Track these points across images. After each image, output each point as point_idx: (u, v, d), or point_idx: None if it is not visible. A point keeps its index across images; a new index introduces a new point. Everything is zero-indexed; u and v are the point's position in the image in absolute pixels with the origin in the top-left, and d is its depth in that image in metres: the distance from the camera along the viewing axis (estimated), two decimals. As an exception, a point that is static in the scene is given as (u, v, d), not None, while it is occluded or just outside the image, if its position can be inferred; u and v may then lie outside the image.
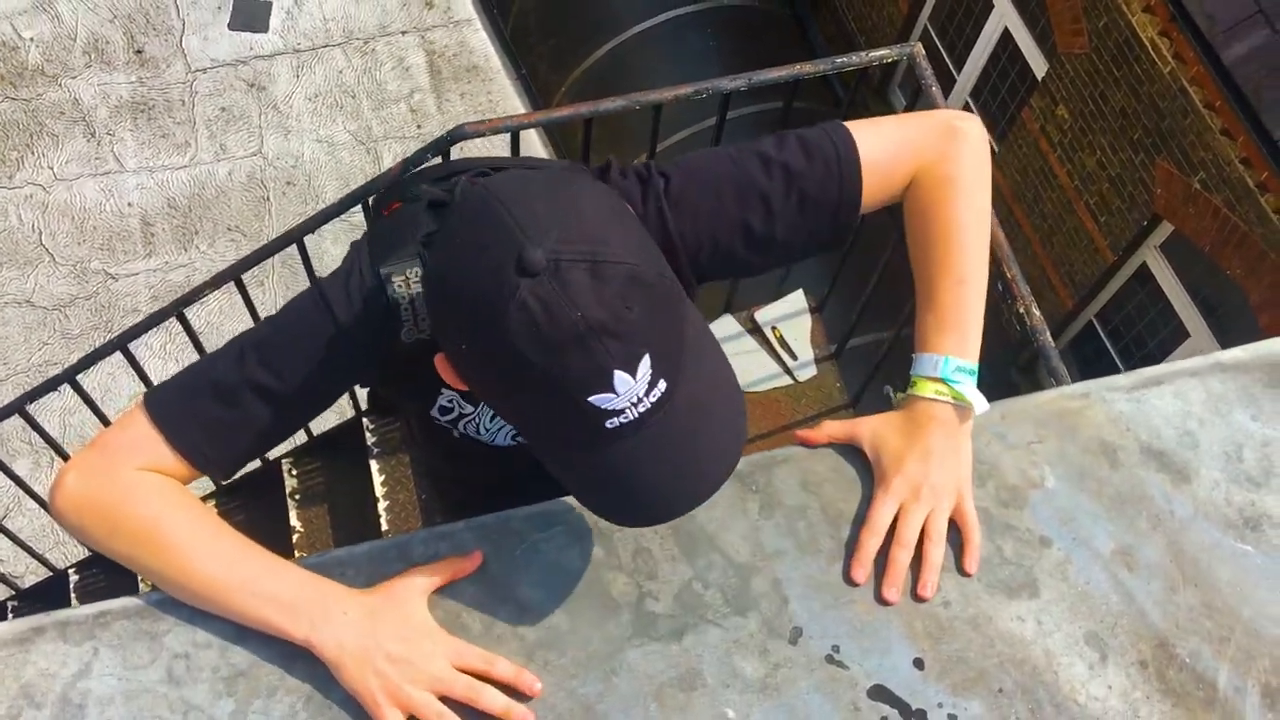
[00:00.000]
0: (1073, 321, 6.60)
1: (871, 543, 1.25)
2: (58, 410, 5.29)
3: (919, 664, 1.20)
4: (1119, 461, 1.32)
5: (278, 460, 3.86)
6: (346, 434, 3.82)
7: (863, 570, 1.24)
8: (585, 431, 1.03)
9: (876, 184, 1.28)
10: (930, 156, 1.30)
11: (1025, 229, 6.70)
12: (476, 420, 1.45)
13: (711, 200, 1.26)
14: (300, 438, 3.92)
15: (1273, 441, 1.33)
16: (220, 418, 1.20)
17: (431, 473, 1.94)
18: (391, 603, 1.16)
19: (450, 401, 1.42)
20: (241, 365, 1.21)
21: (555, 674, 1.18)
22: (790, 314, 3.76)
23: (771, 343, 3.70)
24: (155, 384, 1.23)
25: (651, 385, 1.01)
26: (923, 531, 1.25)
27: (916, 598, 1.23)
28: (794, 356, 3.69)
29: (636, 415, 1.02)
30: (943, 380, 1.27)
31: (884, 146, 1.29)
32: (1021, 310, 2.63)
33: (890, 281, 3.35)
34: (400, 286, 1.19)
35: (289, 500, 3.82)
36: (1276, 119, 4.72)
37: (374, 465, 3.68)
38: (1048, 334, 2.61)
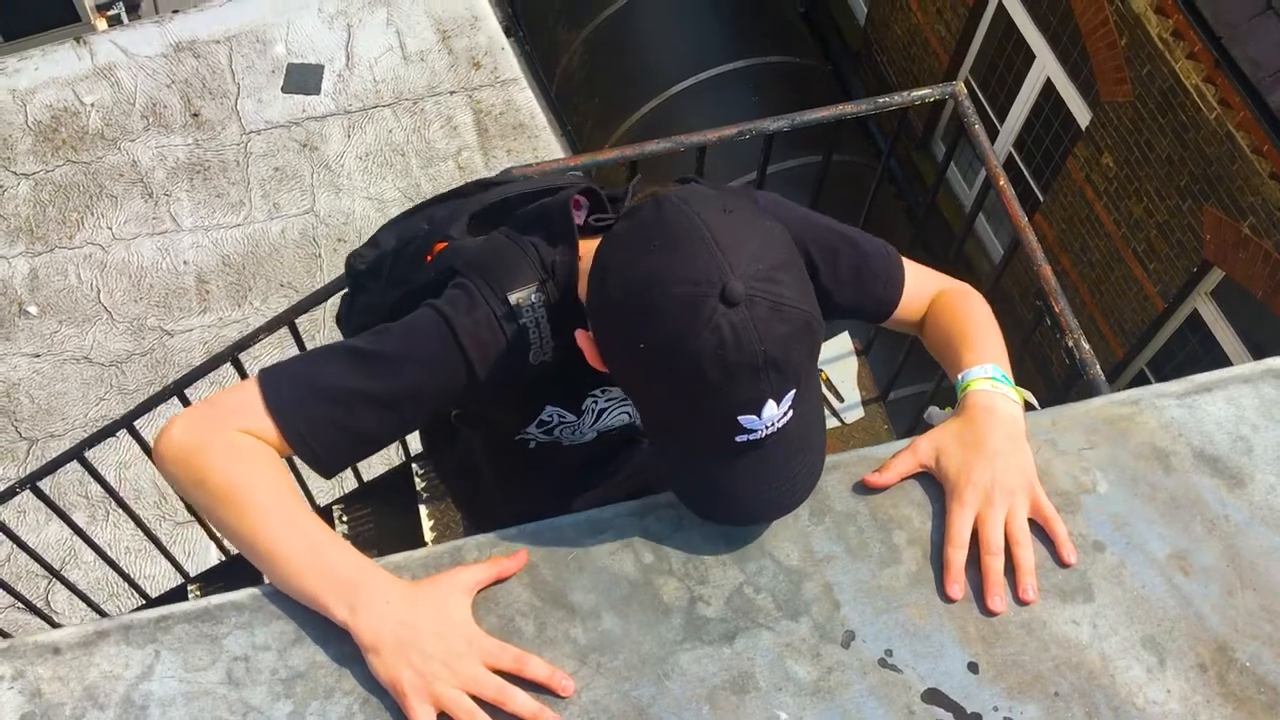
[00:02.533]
0: (1124, 371, 6.54)
1: (959, 556, 1.24)
2: (114, 464, 5.37)
3: (973, 668, 1.19)
4: (1172, 467, 1.31)
5: (328, 507, 3.90)
6: (395, 480, 3.86)
7: (958, 586, 1.24)
8: (717, 442, 1.17)
9: (907, 298, 1.48)
10: (947, 288, 1.52)
11: (1073, 277, 6.67)
12: (576, 425, 1.49)
13: (795, 230, 1.33)
14: (350, 484, 3.96)
15: (1328, 446, 1.32)
16: (329, 418, 1.25)
17: (478, 502, 1.98)
18: (433, 597, 1.17)
19: (551, 415, 1.47)
20: (359, 373, 1.25)
21: (608, 676, 1.18)
22: (836, 357, 3.76)
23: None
24: (273, 363, 1.27)
25: (785, 414, 1.16)
26: (1008, 536, 1.25)
27: (1020, 602, 1.23)
28: (840, 399, 3.70)
29: (761, 436, 1.16)
30: (992, 378, 1.29)
31: (919, 275, 1.50)
32: (1070, 344, 2.62)
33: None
34: (528, 312, 1.28)
35: (339, 546, 3.84)
36: (1326, 162, 4.69)
37: (423, 510, 3.70)
38: (1097, 367, 2.59)
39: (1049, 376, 6.33)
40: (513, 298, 1.27)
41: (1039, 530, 1.27)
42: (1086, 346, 2.62)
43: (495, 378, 1.29)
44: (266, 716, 1.16)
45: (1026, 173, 7.01)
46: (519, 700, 1.13)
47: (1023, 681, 1.18)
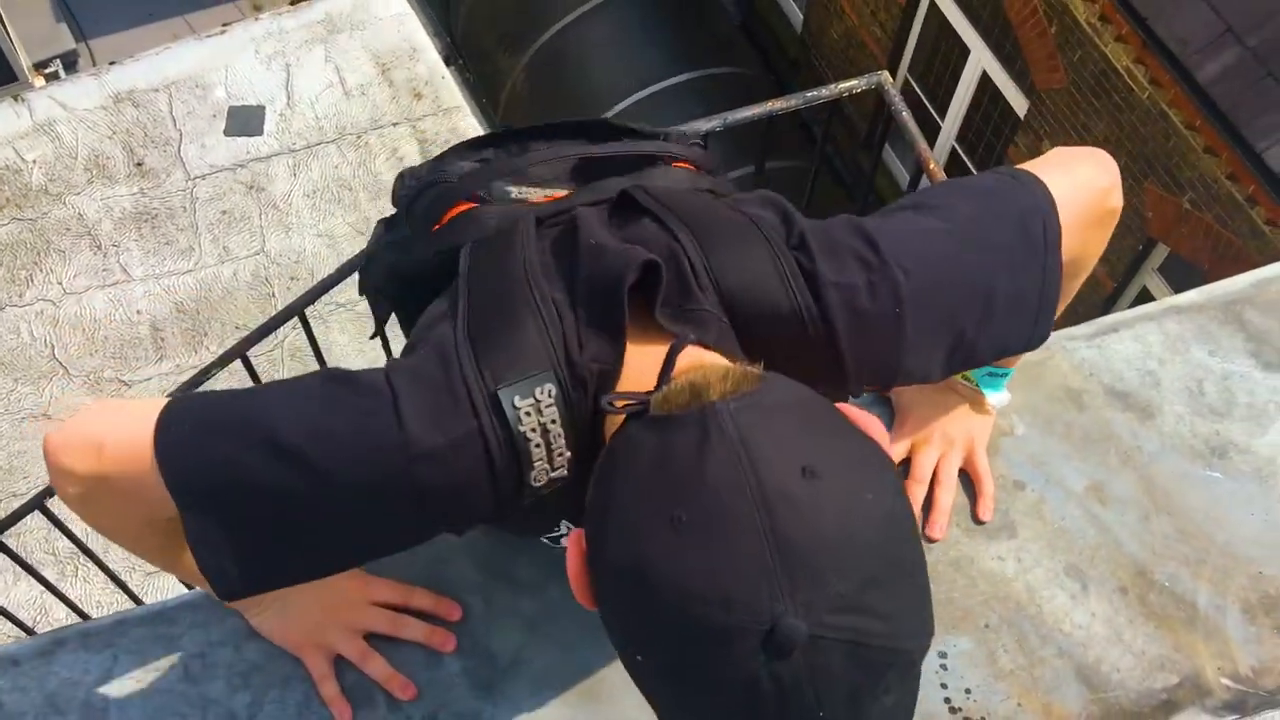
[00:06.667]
0: (1078, 351, 6.63)
1: None
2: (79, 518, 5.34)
3: (906, 608, 1.23)
4: (1085, 404, 1.37)
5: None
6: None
7: None
8: None
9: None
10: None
11: (1021, 264, 6.75)
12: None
13: (950, 304, 0.97)
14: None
15: (1232, 375, 1.38)
16: (241, 521, 0.90)
17: None
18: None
19: (566, 528, 1.10)
20: (280, 472, 0.87)
21: (556, 644, 1.22)
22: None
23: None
24: (172, 418, 0.92)
25: None
26: (935, 475, 1.29)
27: (926, 539, 1.27)
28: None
29: None
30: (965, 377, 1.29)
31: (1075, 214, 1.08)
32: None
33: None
34: (529, 416, 0.86)
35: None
36: (1257, 132, 4.79)
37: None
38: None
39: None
40: (510, 397, 0.85)
41: (967, 482, 1.31)
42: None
43: (474, 512, 0.91)
44: (226, 708, 1.19)
45: (971, 165, 7.11)
46: (410, 628, 1.17)
47: (954, 617, 1.23)
